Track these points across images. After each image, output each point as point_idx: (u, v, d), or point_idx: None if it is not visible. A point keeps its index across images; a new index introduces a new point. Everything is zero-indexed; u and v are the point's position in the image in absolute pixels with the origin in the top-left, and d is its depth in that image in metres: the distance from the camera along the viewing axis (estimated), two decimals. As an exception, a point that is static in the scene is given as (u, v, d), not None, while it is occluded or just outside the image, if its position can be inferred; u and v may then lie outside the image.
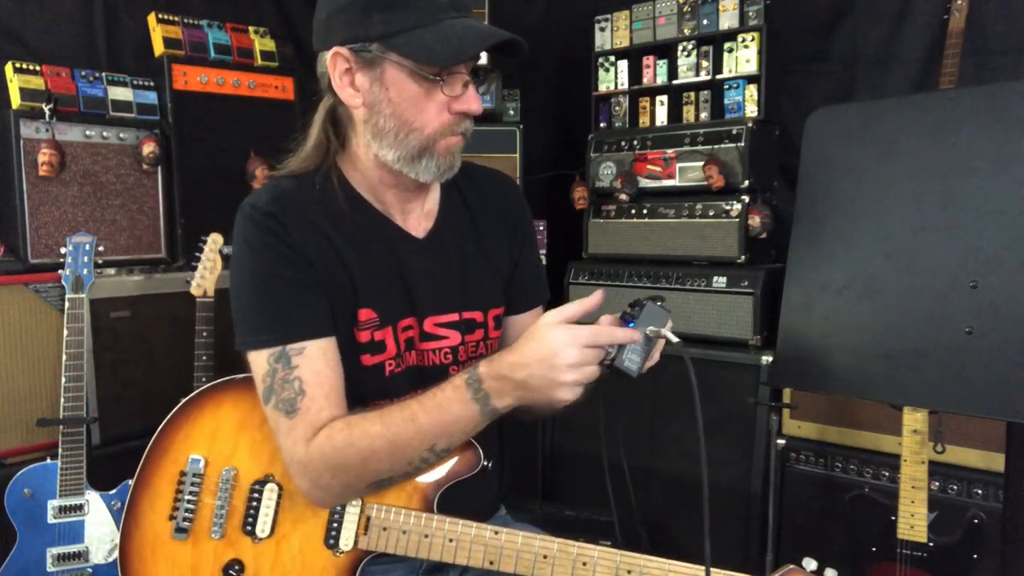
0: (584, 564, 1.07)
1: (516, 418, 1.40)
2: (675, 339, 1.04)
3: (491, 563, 1.10)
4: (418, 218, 1.25)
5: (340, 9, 1.11)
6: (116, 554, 1.23)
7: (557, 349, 0.99)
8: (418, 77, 1.09)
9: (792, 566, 1.04)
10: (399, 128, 1.11)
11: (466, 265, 1.26)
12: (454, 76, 1.10)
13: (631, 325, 1.07)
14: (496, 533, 1.11)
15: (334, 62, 1.12)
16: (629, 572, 1.06)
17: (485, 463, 1.18)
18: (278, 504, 1.17)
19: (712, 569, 1.01)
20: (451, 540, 1.11)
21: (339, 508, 1.14)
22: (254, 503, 1.18)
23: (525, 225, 1.36)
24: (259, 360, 1.10)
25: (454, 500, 1.16)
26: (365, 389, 1.19)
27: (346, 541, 1.13)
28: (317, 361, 1.10)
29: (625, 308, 1.11)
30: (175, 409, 1.25)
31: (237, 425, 1.22)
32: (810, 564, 1.04)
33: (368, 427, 1.07)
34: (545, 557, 1.08)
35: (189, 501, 1.20)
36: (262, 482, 1.18)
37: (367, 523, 1.13)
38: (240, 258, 1.14)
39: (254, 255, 1.12)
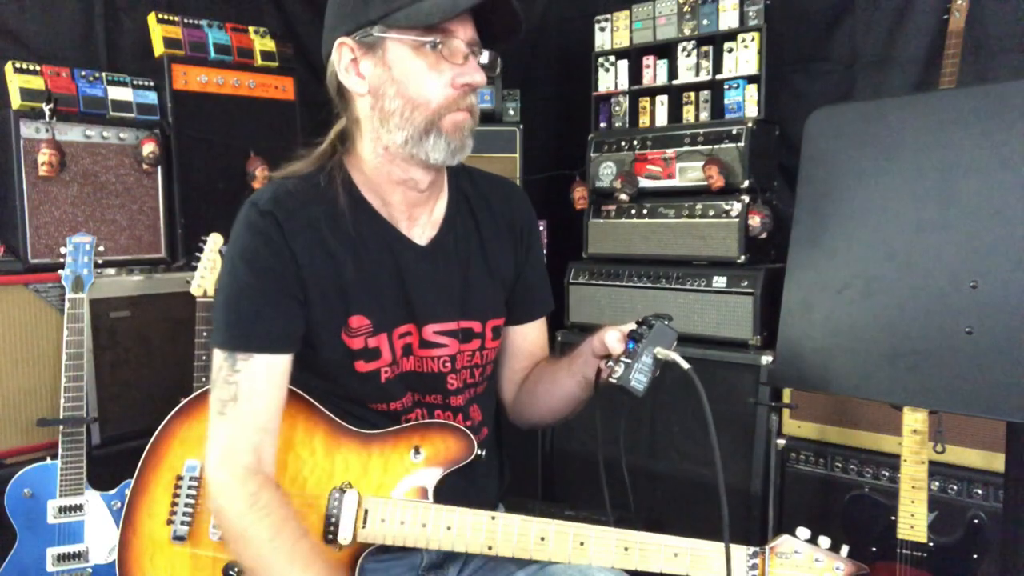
0: (581, 544, 1.09)
1: (515, 423, 1.40)
2: (685, 365, 1.04)
3: (489, 548, 1.11)
4: (423, 226, 1.24)
5: (342, 3, 1.13)
6: (115, 555, 1.22)
7: None
8: (418, 49, 1.09)
9: (785, 535, 1.06)
10: (404, 106, 1.11)
11: (468, 274, 1.26)
12: (453, 42, 1.10)
13: (631, 345, 1.08)
14: (493, 518, 1.12)
15: (339, 54, 1.13)
16: (627, 549, 1.07)
17: (479, 452, 1.19)
18: (277, 504, 1.17)
19: (712, 542, 1.05)
20: (449, 528, 1.12)
21: (337, 503, 1.14)
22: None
23: (530, 234, 1.35)
24: (217, 355, 1.14)
25: (451, 498, 1.16)
26: (362, 394, 1.20)
27: (345, 535, 1.13)
28: (258, 375, 1.12)
29: (632, 324, 1.12)
30: (170, 415, 1.25)
31: None
32: (804, 533, 1.06)
33: (260, 530, 1.07)
34: (543, 539, 1.09)
35: (187, 505, 1.20)
36: (259, 483, 1.18)
37: (365, 516, 1.14)
38: (229, 255, 1.16)
39: (238, 257, 1.14)
